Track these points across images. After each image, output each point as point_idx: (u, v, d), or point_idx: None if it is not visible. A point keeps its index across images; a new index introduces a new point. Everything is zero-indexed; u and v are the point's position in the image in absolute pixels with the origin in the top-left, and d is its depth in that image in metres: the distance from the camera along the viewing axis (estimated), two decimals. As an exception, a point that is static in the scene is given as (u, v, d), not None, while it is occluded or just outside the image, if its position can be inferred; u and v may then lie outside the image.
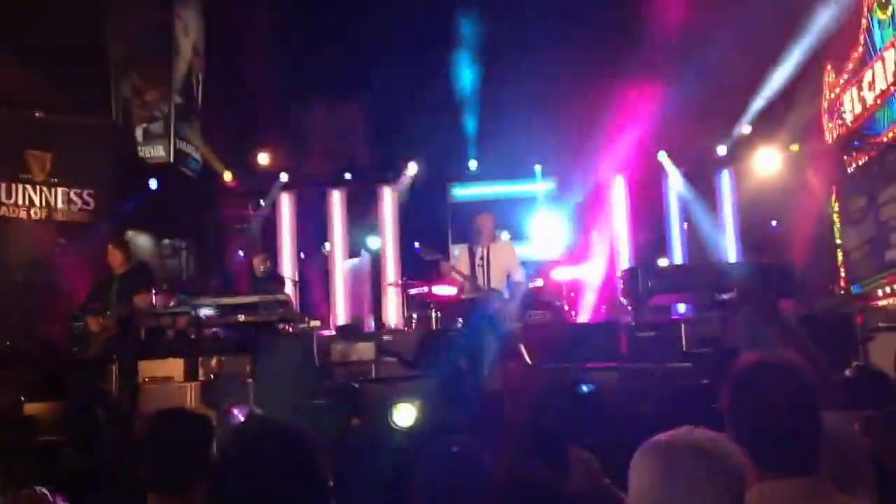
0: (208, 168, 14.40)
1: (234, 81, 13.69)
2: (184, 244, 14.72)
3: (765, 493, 1.90)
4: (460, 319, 8.31)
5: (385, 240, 15.00)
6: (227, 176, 14.71)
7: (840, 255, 13.09)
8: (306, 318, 11.13)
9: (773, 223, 14.03)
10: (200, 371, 8.93)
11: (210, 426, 3.03)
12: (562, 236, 14.41)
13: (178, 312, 10.45)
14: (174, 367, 8.83)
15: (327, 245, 15.25)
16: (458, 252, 8.45)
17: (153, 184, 13.50)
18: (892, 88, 11.17)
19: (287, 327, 10.15)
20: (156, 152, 13.46)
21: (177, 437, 2.91)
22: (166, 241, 14.55)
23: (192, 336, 9.93)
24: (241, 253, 14.49)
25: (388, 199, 15.08)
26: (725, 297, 8.74)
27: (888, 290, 11.12)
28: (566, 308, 11.47)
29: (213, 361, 8.89)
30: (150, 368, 8.75)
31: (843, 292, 12.31)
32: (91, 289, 8.95)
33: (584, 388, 6.20)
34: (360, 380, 8.66)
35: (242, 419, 4.99)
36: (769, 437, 1.94)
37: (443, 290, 10.51)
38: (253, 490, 1.89)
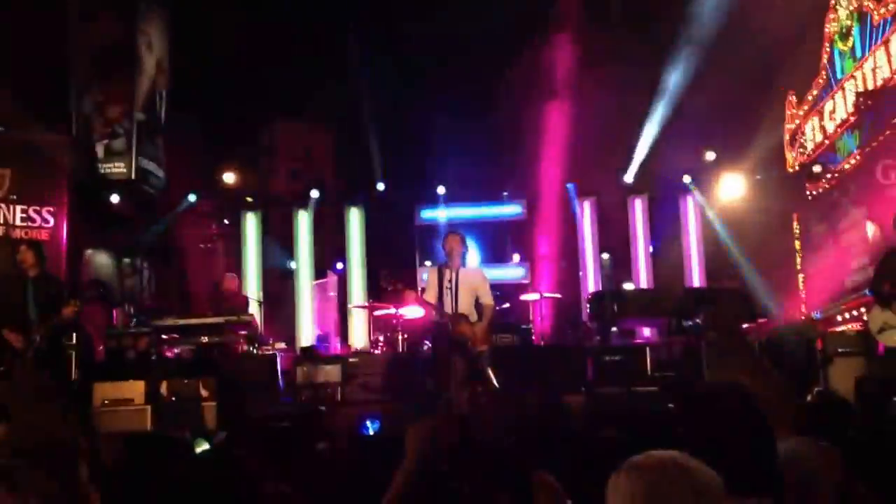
0: (171, 186, 14.23)
1: (199, 99, 13.59)
2: (145, 263, 14.51)
3: None
4: (427, 342, 8.27)
5: (351, 261, 14.93)
6: (191, 197, 14.54)
7: (801, 280, 13.26)
8: (270, 340, 11.02)
9: (738, 249, 14.17)
10: (161, 394, 8.73)
11: (188, 451, 2.97)
12: (529, 259, 14.47)
13: (138, 333, 10.29)
14: (134, 389, 8.61)
15: (293, 264, 15.15)
16: (427, 275, 8.43)
17: (114, 200, 13.30)
18: (851, 118, 11.37)
19: (251, 349, 10.03)
20: (117, 169, 13.28)
21: (156, 462, 2.85)
22: (126, 260, 14.33)
23: (153, 357, 9.76)
24: (204, 277, 14.32)
25: (355, 220, 15.04)
26: (691, 322, 8.81)
27: (847, 315, 11.26)
28: (533, 331, 11.48)
29: (175, 384, 8.69)
30: (109, 391, 8.53)
31: (804, 317, 12.45)
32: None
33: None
34: (327, 402, 8.57)
35: (206, 446, 4.90)
36: (725, 460, 1.97)
37: (411, 312, 10.46)
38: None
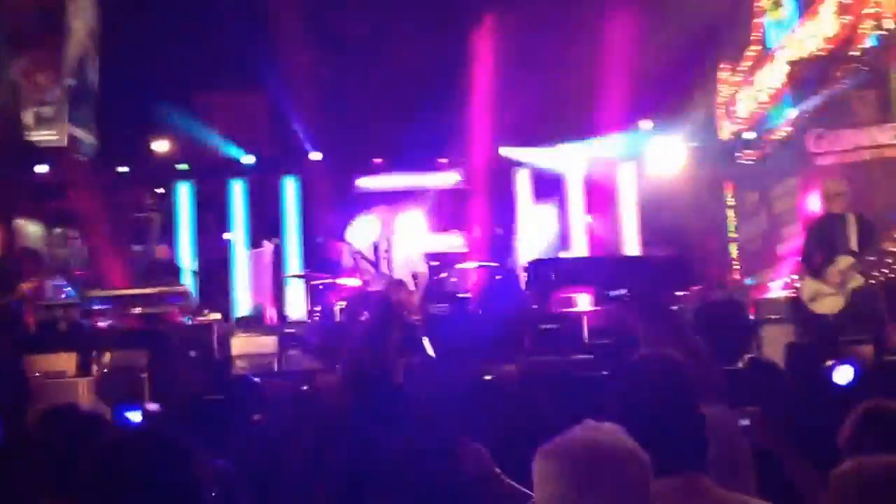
0: (104, 154, 13.91)
1: (132, 66, 13.27)
2: (76, 233, 14.18)
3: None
4: (365, 312, 8.25)
5: (288, 231, 14.75)
6: (124, 168, 14.22)
7: (734, 247, 13.52)
8: (205, 310, 10.89)
9: (672, 217, 14.33)
10: (94, 365, 8.58)
11: (102, 425, 2.90)
12: (467, 228, 14.43)
13: (70, 304, 10.09)
14: (66, 361, 8.44)
15: (228, 235, 14.92)
16: (359, 244, 8.41)
17: (44, 169, 12.97)
18: (783, 88, 11.55)
19: (185, 319, 9.91)
20: (47, 137, 12.97)
21: (67, 437, 2.78)
22: (58, 230, 14.01)
23: (86, 329, 9.59)
24: (137, 247, 14.07)
25: (291, 190, 14.84)
26: (616, 293, 8.88)
27: (779, 282, 11.52)
28: (470, 300, 11.49)
29: (108, 355, 8.54)
30: (41, 363, 8.34)
31: (736, 284, 12.70)
32: None
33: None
34: (262, 373, 8.49)
35: (137, 419, 4.83)
36: (650, 437, 1.97)
37: (348, 281, 10.40)
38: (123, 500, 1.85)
